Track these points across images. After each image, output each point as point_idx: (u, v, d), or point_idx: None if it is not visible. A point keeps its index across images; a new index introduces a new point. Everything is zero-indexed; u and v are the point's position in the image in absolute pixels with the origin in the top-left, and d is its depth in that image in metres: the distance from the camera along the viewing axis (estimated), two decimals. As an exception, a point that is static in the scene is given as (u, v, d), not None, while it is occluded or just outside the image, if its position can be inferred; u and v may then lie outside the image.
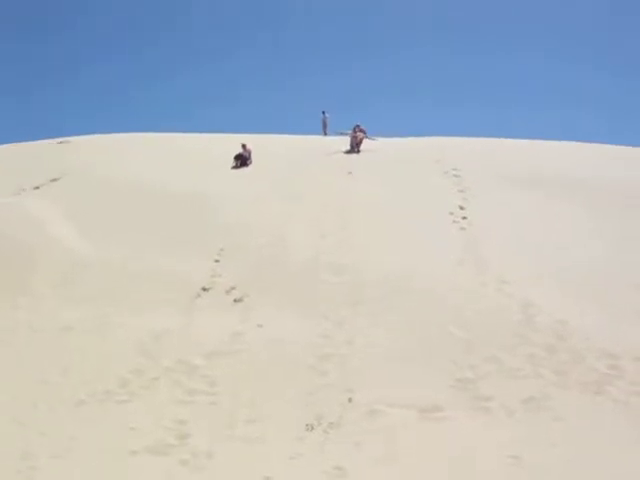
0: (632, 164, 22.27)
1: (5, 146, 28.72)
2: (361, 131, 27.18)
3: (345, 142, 25.32)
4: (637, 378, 10.54)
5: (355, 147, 24.33)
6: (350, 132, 24.97)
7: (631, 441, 8.96)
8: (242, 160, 23.06)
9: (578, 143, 26.77)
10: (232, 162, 22.97)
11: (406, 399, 9.97)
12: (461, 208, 17.97)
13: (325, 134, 31.05)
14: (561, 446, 8.80)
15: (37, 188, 20.92)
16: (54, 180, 21.60)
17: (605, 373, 10.69)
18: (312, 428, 9.36)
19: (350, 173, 20.94)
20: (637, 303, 13.05)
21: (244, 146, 23.55)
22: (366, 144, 24.73)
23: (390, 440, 8.99)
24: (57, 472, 8.56)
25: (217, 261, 15.26)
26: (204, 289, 14.04)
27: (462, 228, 16.74)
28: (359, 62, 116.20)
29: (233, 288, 13.99)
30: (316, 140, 28.07)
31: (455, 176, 20.57)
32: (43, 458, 8.86)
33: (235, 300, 13.57)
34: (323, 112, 32.54)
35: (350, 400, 10.06)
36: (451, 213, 17.60)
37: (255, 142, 25.85)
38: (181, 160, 23.10)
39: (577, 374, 10.71)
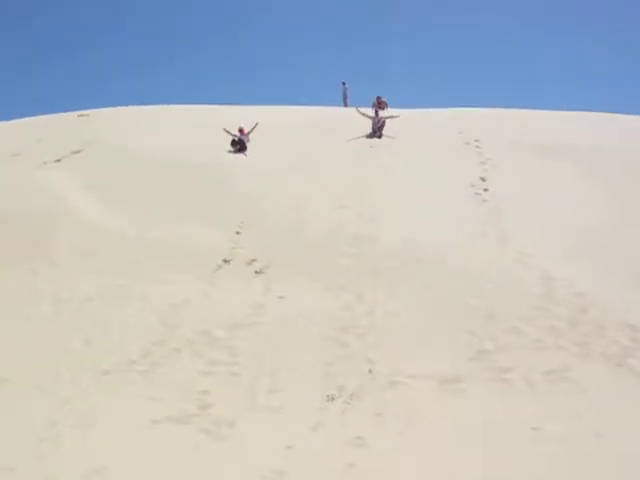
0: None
1: (26, 119, 28.84)
2: (381, 103, 26.96)
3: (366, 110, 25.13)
4: (660, 351, 10.50)
5: (377, 131, 22.87)
6: (372, 114, 23.53)
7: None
8: (241, 145, 21.33)
9: (602, 113, 26.34)
10: (230, 148, 21.28)
11: (426, 371, 9.98)
12: (482, 179, 17.84)
13: (345, 105, 30.80)
14: (585, 418, 8.75)
15: (58, 161, 21.00)
16: (75, 152, 21.67)
17: (627, 345, 10.62)
18: (333, 399, 9.40)
19: (370, 145, 20.82)
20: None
21: (241, 130, 21.79)
22: (388, 129, 23.07)
23: (410, 411, 9.01)
24: (81, 440, 8.67)
25: (238, 233, 15.29)
26: (225, 261, 14.09)
27: (483, 200, 16.62)
28: (379, 33, 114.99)
29: (254, 260, 14.03)
30: (336, 111, 27.89)
31: (477, 147, 20.40)
32: (67, 426, 8.98)
33: (256, 272, 13.60)
34: (343, 83, 32.29)
35: (370, 371, 10.09)
36: (472, 185, 17.47)
37: (274, 114, 25.81)
38: (200, 132, 23.04)
39: (599, 346, 10.65)
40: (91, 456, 8.21)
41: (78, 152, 21.67)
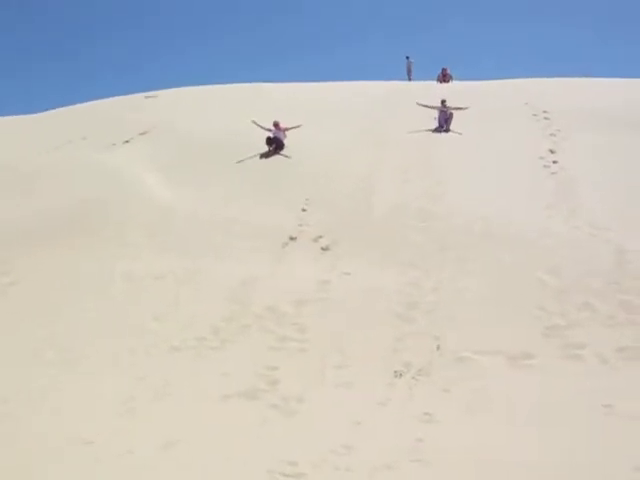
0: None
1: (93, 102, 29.39)
2: (446, 75, 26.54)
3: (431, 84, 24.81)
4: None
5: (444, 125, 19.96)
6: (439, 106, 20.33)
7: None
8: (277, 144, 18.85)
9: None
10: (265, 148, 18.91)
11: (495, 346, 9.90)
12: (551, 152, 17.43)
13: (409, 79, 30.45)
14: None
15: (127, 142, 21.42)
16: (142, 134, 22.05)
17: None
18: (401, 375, 9.43)
19: (436, 118, 20.52)
20: None
21: (277, 125, 19.20)
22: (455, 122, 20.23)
23: (479, 387, 8.96)
24: (154, 415, 8.92)
25: (304, 210, 15.37)
26: (291, 238, 14.19)
27: (553, 172, 16.27)
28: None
29: (320, 237, 14.09)
30: (400, 86, 27.58)
31: (545, 119, 19.89)
32: (141, 401, 9.26)
33: (322, 248, 13.68)
34: (407, 57, 31.83)
35: (438, 347, 10.06)
36: (541, 157, 17.11)
37: (337, 89, 25.67)
38: (267, 110, 23.02)
39: (674, 322, 10.38)
40: (165, 429, 8.43)
41: (145, 133, 22.04)
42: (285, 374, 9.70)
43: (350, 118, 21.31)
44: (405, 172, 16.66)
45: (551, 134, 18.70)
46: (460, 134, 19.11)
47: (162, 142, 20.86)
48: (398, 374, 9.43)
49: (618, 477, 7.09)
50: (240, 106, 23.94)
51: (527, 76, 26.43)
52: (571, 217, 13.87)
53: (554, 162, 16.79)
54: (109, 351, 10.74)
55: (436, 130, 19.82)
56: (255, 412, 8.85)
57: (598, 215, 13.79)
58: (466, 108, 20.25)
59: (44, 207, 16.55)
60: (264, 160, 18.46)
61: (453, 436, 7.94)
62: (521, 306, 11.04)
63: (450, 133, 19.47)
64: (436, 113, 20.16)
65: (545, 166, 16.64)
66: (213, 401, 9.16)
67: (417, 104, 20.59)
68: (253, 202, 15.88)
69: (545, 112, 20.39)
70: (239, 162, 18.47)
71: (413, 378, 9.33)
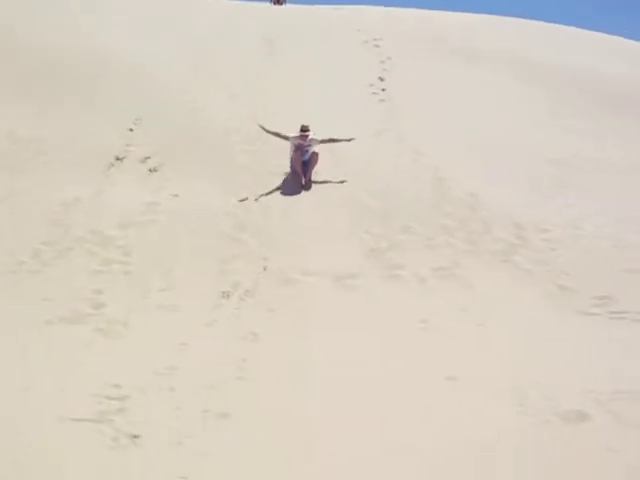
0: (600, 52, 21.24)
1: None
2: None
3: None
4: (541, 248, 11.05)
5: (305, 170, 12.80)
6: (295, 137, 13.12)
7: (536, 305, 9.50)
8: None
9: (538, 22, 24.74)
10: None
11: (320, 268, 10.18)
12: (381, 79, 17.76)
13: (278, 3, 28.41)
14: (470, 311, 9.23)
15: None
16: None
17: (512, 243, 11.15)
18: (228, 296, 9.48)
19: (270, 42, 20.17)
20: (550, 177, 13.50)
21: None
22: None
23: (303, 306, 9.25)
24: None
25: (131, 130, 14.75)
26: (118, 158, 13.64)
27: (381, 100, 16.64)
28: None
29: (148, 158, 13.63)
30: (237, 6, 26.70)
31: (375, 46, 20.10)
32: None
33: (150, 170, 13.26)
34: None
35: (265, 268, 10.20)
36: (371, 85, 17.41)
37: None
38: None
39: (486, 244, 11.13)
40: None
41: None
42: (110, 297, 9.45)
43: (181, 36, 20.37)
44: (235, 95, 16.37)
45: (381, 61, 18.94)
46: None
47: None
48: (225, 295, 9.48)
49: (431, 386, 7.62)
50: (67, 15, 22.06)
51: (362, 3, 26.45)
52: (397, 144, 14.33)
53: (383, 90, 17.13)
54: None
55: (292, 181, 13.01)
56: (79, 336, 8.58)
57: (422, 142, 14.34)
58: (350, 140, 13.35)
59: None
60: (87, 76, 17.26)
61: (276, 354, 8.16)
62: (347, 229, 11.38)
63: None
64: (290, 144, 13.15)
65: (374, 93, 16.95)
66: (34, 327, 8.75)
67: (260, 127, 13.59)
68: (74, 121, 14.91)
69: (376, 40, 20.58)
70: (55, 77, 17.08)
71: (240, 299, 9.42)
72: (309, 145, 12.82)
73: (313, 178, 12.86)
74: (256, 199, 12.22)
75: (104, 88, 16.40)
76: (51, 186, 12.52)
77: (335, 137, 13.20)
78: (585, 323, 9.12)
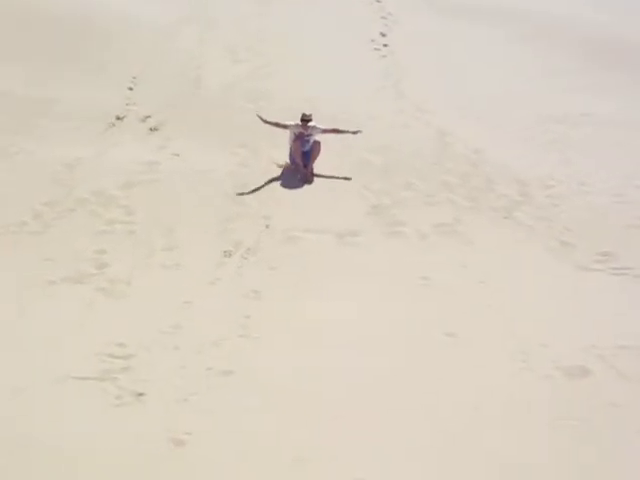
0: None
1: None
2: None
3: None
4: (543, 204, 11.03)
5: (307, 162, 11.86)
6: (295, 124, 12.09)
7: (538, 262, 9.52)
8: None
9: None
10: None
11: (322, 225, 10.19)
12: (382, 35, 17.52)
13: None
14: (470, 267, 9.29)
15: None
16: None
17: (515, 199, 11.13)
18: (230, 254, 9.50)
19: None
20: (551, 133, 13.40)
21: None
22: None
23: (306, 264, 9.29)
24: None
25: (131, 89, 14.60)
26: (118, 118, 13.54)
27: (383, 56, 16.44)
28: None
29: (148, 117, 13.53)
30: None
31: (377, 1, 19.84)
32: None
33: (151, 129, 13.16)
34: None
35: (267, 227, 10.20)
36: (372, 40, 17.19)
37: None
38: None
39: (488, 200, 11.11)
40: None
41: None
42: (113, 257, 9.47)
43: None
44: (235, 52, 16.15)
45: (382, 17, 18.70)
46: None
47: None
48: (227, 254, 9.50)
49: (430, 340, 7.71)
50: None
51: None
52: (398, 100, 14.22)
53: (384, 45, 16.93)
54: None
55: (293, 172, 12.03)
56: (82, 296, 8.65)
57: (423, 98, 14.24)
58: (356, 132, 12.25)
59: None
60: (86, 35, 17.05)
61: (279, 311, 8.25)
62: (348, 186, 11.36)
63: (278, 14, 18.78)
64: (289, 133, 12.22)
65: (375, 49, 16.75)
66: (37, 286, 8.82)
67: (258, 117, 12.37)
68: (73, 80, 14.69)
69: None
70: (59, 37, 16.94)
71: (242, 257, 9.44)
72: (310, 134, 11.90)
73: (316, 171, 11.91)
74: (257, 157, 12.15)
75: (103, 47, 16.23)
76: (52, 146, 12.44)
77: (339, 128, 12.09)
78: (587, 279, 9.16)
